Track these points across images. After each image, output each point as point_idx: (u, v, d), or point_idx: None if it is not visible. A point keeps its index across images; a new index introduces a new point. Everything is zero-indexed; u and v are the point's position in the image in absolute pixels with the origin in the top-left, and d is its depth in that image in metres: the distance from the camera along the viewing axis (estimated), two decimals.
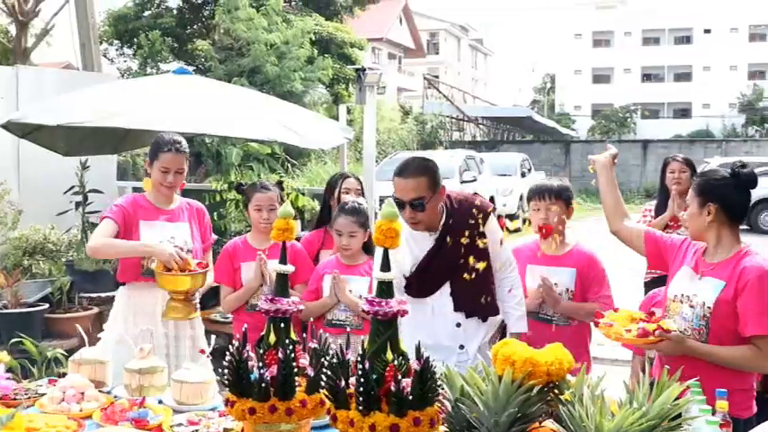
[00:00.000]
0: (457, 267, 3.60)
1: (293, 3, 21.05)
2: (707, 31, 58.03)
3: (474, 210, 3.66)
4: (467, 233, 3.62)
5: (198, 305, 4.06)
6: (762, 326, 2.94)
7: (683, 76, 58.98)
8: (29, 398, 2.98)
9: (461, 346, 3.65)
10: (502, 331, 3.79)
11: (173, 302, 3.90)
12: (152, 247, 3.91)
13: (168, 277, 3.85)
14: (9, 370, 3.35)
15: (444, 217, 3.63)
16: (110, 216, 4.02)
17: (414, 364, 2.10)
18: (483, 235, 3.64)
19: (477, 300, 3.65)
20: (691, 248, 3.27)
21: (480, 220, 3.65)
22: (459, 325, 3.64)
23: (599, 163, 3.56)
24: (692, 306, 3.10)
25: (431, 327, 3.57)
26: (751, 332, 2.96)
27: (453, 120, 34.55)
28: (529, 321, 3.78)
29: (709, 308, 3.03)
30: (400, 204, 3.44)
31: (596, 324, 3.11)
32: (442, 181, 3.58)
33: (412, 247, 3.62)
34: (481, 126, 38.42)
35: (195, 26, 20.33)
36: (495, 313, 3.71)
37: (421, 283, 3.63)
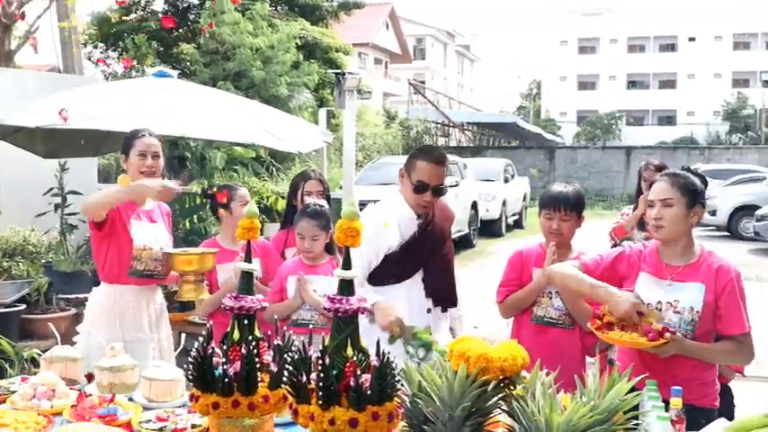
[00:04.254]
0: (434, 250, 3.83)
1: (279, 7, 21.07)
2: (691, 39, 58.53)
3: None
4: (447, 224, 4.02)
5: (206, 287, 4.11)
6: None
7: (668, 83, 59.47)
8: (0, 395, 3.02)
9: None
10: None
11: (186, 284, 3.96)
12: (138, 183, 3.86)
13: (180, 257, 3.93)
14: None
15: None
16: None
17: (373, 361, 2.16)
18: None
19: (443, 286, 3.87)
20: (635, 255, 3.30)
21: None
22: (429, 311, 3.82)
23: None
24: (677, 312, 3.12)
25: (404, 314, 3.64)
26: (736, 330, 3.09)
27: (439, 125, 34.65)
28: (534, 325, 3.80)
29: (697, 312, 3.09)
30: (424, 187, 3.64)
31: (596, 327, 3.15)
32: None
33: (401, 227, 3.75)
34: (466, 132, 38.53)
35: (181, 30, 20.30)
36: (454, 304, 3.97)
37: (403, 264, 3.76)
